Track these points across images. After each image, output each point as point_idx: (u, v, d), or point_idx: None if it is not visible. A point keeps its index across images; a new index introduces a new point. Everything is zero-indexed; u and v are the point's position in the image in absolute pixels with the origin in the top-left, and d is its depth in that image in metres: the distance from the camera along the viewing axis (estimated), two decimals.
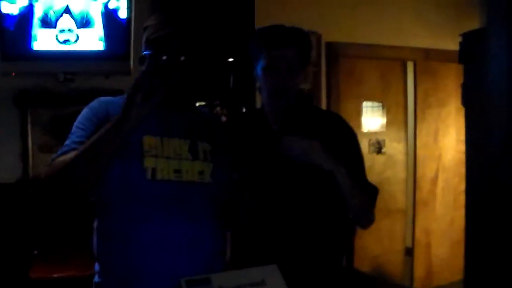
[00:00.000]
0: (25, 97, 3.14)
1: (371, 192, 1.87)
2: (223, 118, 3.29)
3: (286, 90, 1.80)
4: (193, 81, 1.61)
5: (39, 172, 3.13)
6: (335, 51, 4.14)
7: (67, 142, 1.56)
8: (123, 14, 3.06)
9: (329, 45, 4.13)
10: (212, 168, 1.62)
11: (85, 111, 1.63)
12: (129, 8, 3.08)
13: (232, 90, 3.41)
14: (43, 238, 2.99)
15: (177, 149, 1.58)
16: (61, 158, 1.50)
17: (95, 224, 1.62)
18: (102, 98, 1.67)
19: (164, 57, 1.54)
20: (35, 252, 2.96)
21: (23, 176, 3.14)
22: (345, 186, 1.75)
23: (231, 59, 3.31)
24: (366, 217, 1.88)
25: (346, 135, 1.89)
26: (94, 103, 1.64)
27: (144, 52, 1.62)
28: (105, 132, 1.45)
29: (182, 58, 1.55)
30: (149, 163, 1.53)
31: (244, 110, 3.47)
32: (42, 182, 1.53)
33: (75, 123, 1.60)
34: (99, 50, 3.08)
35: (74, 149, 1.50)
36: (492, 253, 2.53)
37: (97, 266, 1.61)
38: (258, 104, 3.74)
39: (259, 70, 1.83)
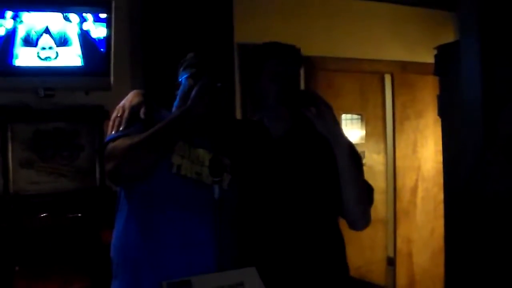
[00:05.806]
0: (5, 113, 3.14)
1: (368, 188, 1.86)
2: None
3: (293, 96, 1.81)
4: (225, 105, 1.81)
5: (20, 188, 3.13)
6: (313, 65, 4.21)
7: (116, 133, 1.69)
8: (95, 34, 3.17)
9: (307, 59, 4.17)
10: (230, 179, 1.76)
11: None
12: (108, 25, 3.17)
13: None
14: (25, 254, 2.98)
15: (201, 157, 1.73)
16: (123, 141, 1.62)
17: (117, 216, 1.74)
18: None
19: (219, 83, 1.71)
20: (17, 268, 2.95)
21: (3, 192, 3.13)
22: (344, 171, 1.74)
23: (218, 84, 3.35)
24: (365, 216, 1.84)
25: None
26: None
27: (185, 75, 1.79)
28: (168, 123, 1.62)
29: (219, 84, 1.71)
30: (176, 160, 1.68)
31: None
32: (104, 158, 1.67)
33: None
34: (78, 66, 3.14)
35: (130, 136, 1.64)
36: (471, 261, 2.58)
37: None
38: None
39: (264, 81, 1.84)
